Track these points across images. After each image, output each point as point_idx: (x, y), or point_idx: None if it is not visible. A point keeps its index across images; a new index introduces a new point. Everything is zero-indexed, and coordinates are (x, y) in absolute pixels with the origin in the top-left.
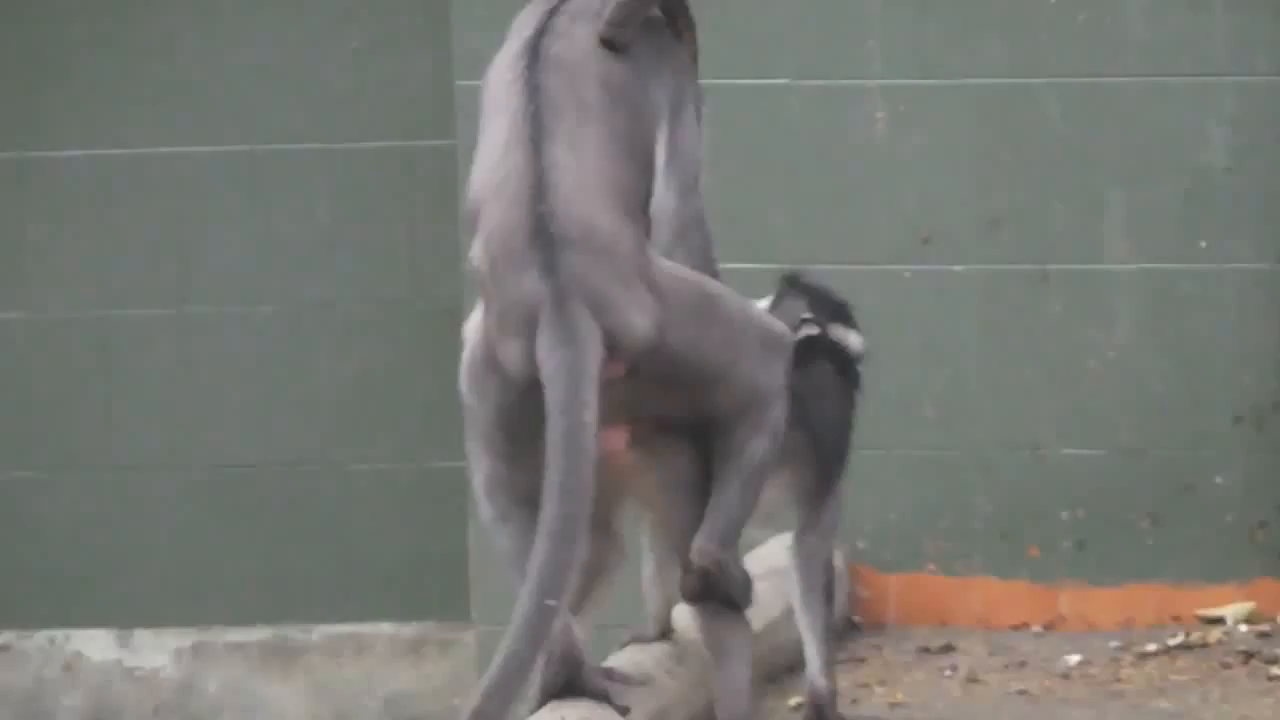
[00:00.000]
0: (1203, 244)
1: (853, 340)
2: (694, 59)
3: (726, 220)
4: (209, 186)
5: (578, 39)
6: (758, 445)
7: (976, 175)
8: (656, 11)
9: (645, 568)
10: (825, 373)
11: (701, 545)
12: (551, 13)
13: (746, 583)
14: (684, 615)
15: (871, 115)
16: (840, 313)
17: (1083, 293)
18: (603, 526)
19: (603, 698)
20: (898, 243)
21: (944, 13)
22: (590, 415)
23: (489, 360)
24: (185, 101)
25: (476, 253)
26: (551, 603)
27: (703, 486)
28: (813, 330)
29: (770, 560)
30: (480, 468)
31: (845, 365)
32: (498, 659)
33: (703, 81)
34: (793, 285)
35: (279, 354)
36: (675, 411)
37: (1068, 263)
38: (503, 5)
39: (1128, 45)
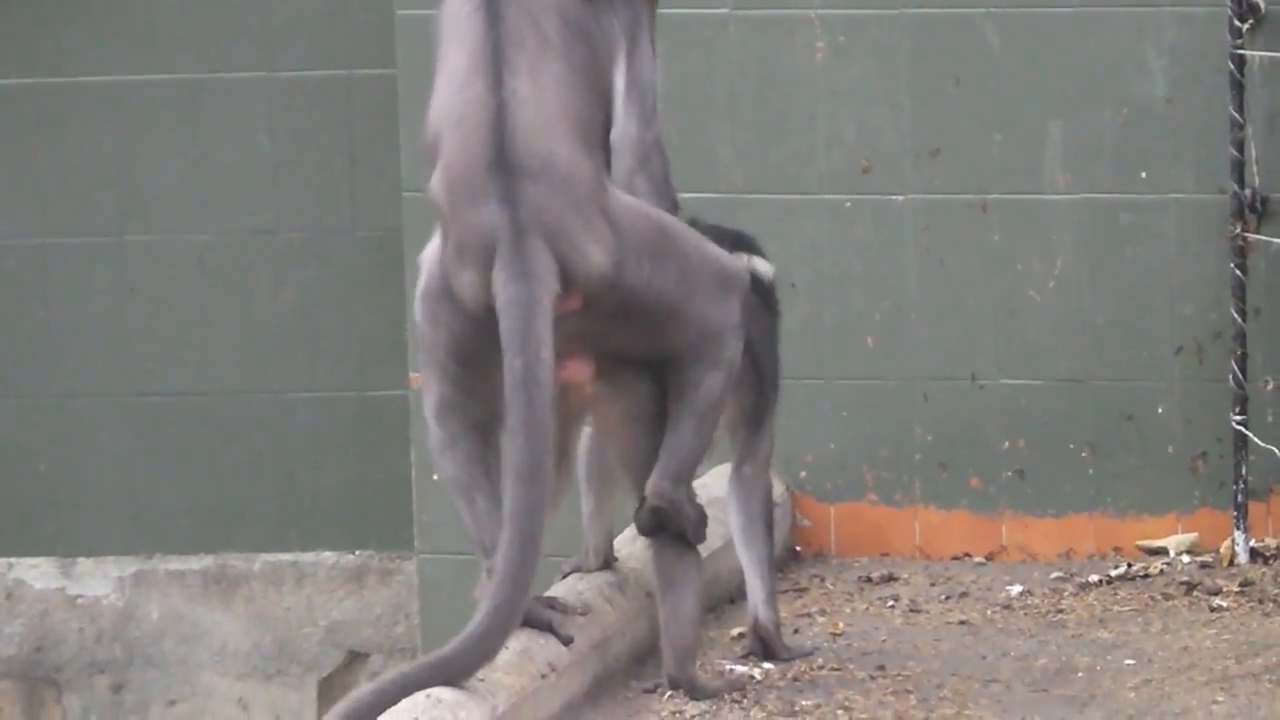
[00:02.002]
0: (1143, 174)
1: (765, 268)
2: None
3: (670, 151)
4: (150, 114)
5: None
6: (712, 382)
7: (916, 105)
8: None
9: (585, 502)
10: (753, 303)
11: (655, 484)
12: None
13: (701, 519)
14: (628, 546)
15: (811, 45)
16: (746, 243)
17: (1022, 223)
18: (558, 454)
19: (546, 628)
20: (838, 172)
21: None
22: (546, 351)
23: (445, 289)
24: (126, 29)
25: (435, 183)
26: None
27: (663, 420)
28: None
29: (711, 489)
30: (431, 392)
31: (765, 294)
32: (487, 606)
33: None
34: (693, 224)
35: (219, 282)
36: (631, 346)
37: (1007, 193)
38: None
39: None
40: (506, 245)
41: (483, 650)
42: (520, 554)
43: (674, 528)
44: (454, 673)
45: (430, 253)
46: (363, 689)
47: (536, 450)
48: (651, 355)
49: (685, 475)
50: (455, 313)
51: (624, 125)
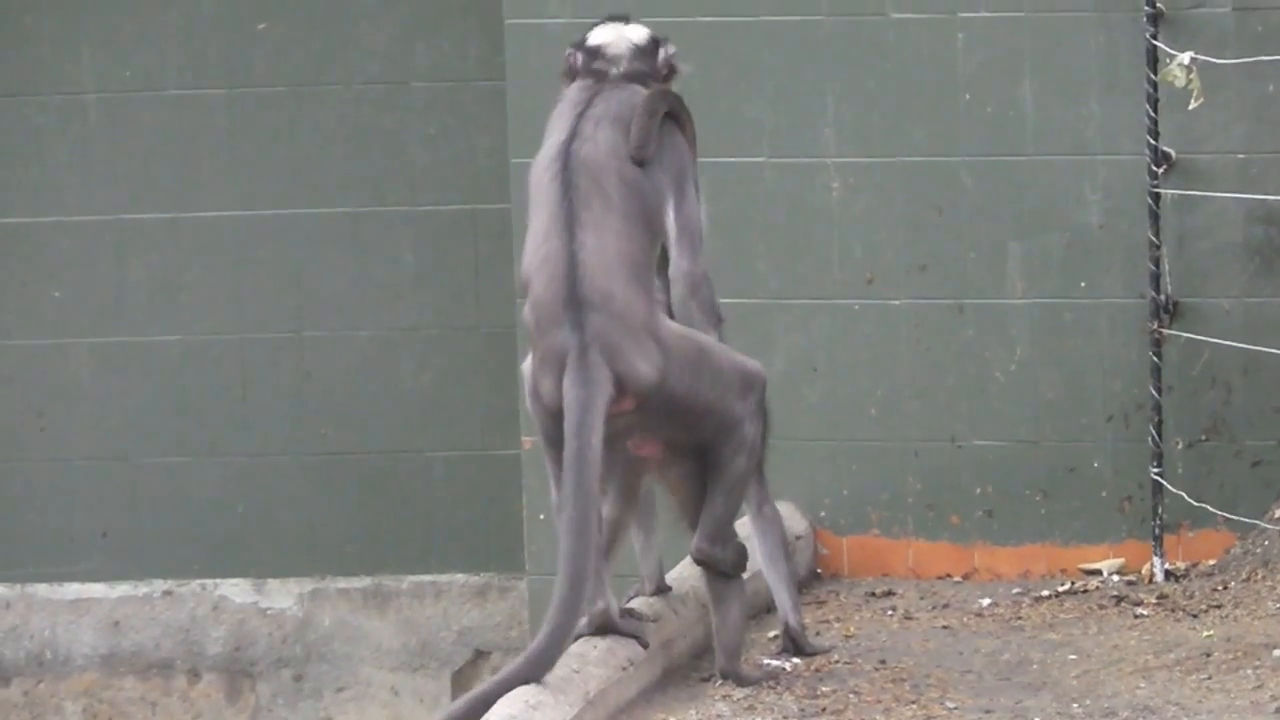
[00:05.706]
0: (1082, 283)
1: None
2: (693, 144)
3: (720, 266)
4: (321, 239)
5: (600, 141)
6: (738, 462)
7: (908, 231)
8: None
9: (636, 542)
10: None
11: (697, 544)
12: (579, 117)
13: (740, 559)
14: (689, 569)
15: (828, 185)
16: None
17: (990, 321)
18: (629, 495)
19: (630, 634)
20: (848, 282)
21: (884, 107)
22: (596, 439)
23: (535, 391)
24: (303, 175)
25: (526, 312)
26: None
27: (706, 478)
28: None
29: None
30: (548, 464)
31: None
32: (545, 629)
33: (701, 160)
34: None
35: (375, 367)
36: (677, 435)
37: (978, 298)
38: (547, 102)
39: (1024, 131)
40: (573, 359)
41: (546, 660)
42: (569, 590)
43: (717, 570)
44: (530, 678)
45: (527, 365)
46: (455, 703)
47: (583, 511)
48: (694, 440)
49: (720, 534)
50: (542, 409)
51: (677, 261)
